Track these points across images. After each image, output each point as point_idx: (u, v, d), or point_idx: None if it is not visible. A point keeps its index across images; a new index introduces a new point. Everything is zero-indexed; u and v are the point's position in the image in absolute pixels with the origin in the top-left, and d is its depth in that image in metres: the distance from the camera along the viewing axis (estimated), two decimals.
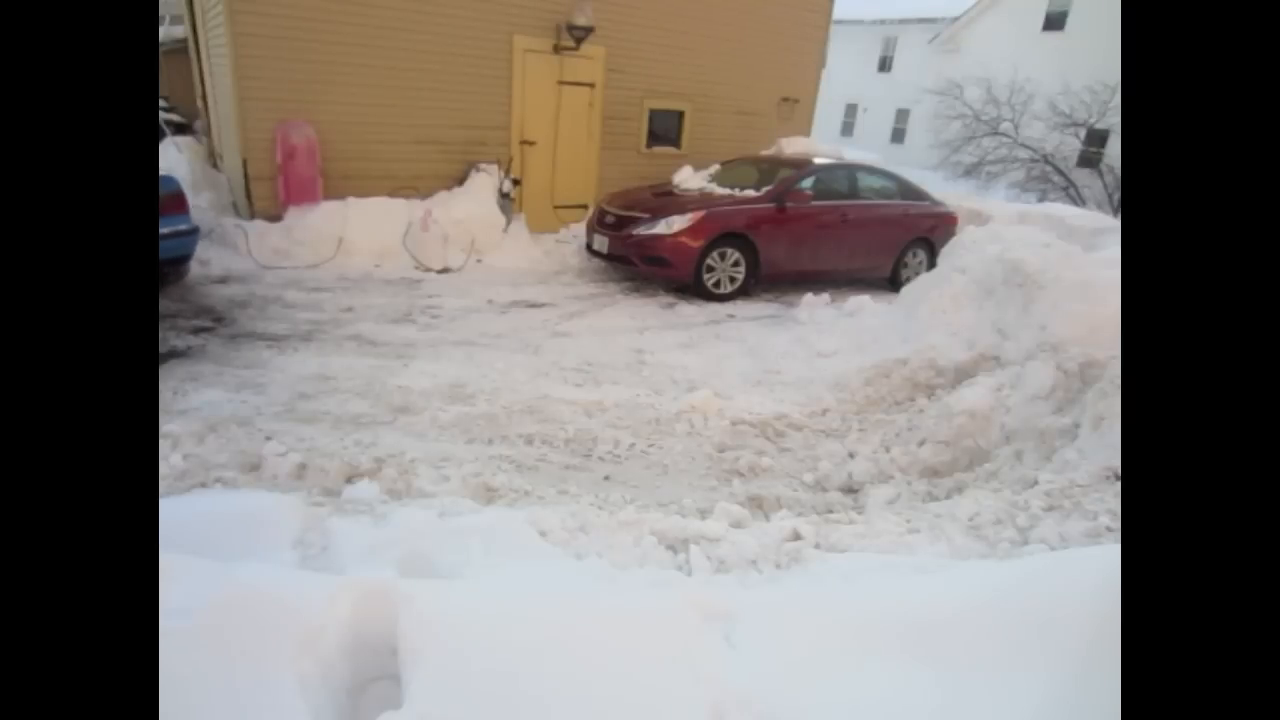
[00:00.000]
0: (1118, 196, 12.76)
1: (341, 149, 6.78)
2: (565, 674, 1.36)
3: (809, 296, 6.03)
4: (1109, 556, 1.52)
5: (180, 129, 9.94)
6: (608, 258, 6.60)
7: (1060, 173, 14.04)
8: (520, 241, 7.35)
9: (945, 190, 10.00)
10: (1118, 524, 2.28)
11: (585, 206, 8.30)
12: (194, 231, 5.12)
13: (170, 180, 4.99)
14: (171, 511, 2.06)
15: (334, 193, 6.70)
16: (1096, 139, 14.68)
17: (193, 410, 3.49)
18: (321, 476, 2.95)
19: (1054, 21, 17.64)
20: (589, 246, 6.87)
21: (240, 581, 1.44)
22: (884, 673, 1.47)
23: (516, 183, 7.78)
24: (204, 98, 9.07)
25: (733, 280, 6.45)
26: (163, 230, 4.83)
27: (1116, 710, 1.07)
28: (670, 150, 8.98)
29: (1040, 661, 1.42)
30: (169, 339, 4.40)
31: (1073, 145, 14.65)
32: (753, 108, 9.49)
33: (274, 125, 6.38)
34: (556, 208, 8.32)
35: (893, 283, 7.20)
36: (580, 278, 6.98)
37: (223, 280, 5.76)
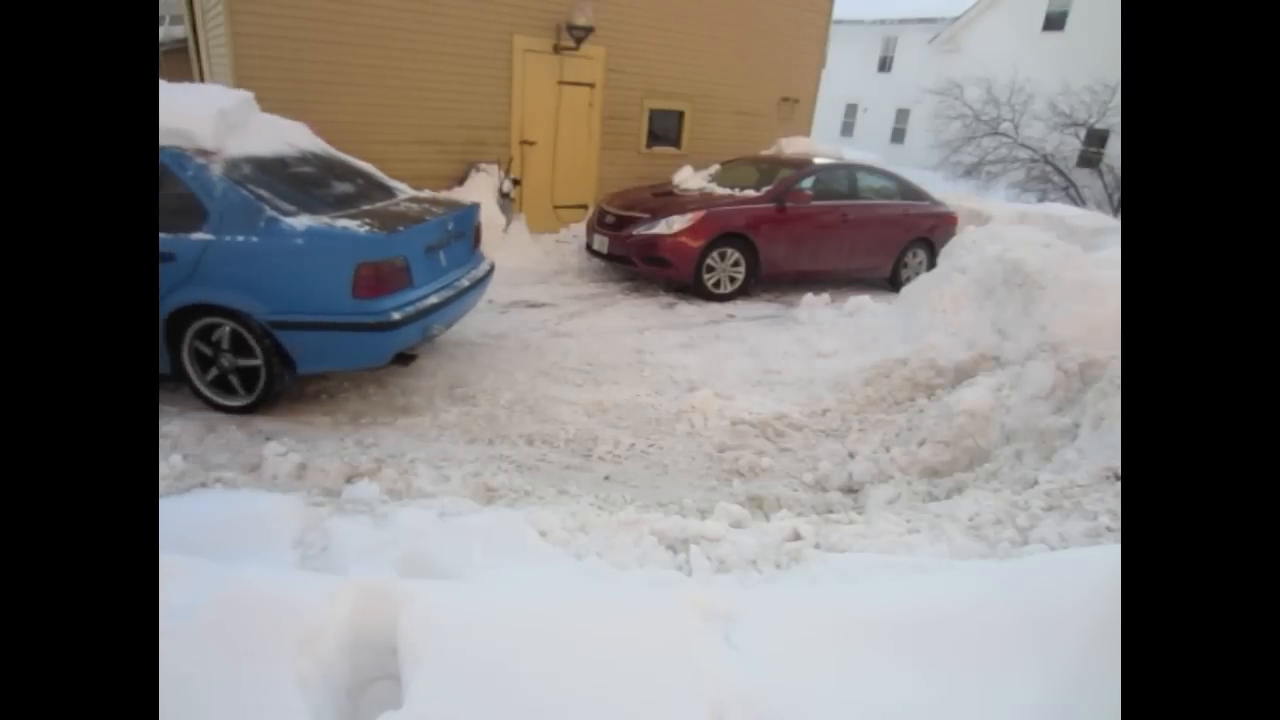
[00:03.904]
0: (1118, 196, 12.76)
1: (341, 149, 6.74)
2: (565, 674, 1.36)
3: (809, 296, 6.04)
4: (1109, 556, 1.52)
5: None
6: (608, 258, 6.60)
7: (1060, 173, 14.04)
8: (520, 241, 7.35)
9: (945, 190, 10.00)
10: (1118, 524, 2.28)
11: (585, 206, 8.31)
12: (493, 269, 4.58)
13: (475, 210, 4.40)
14: (171, 511, 2.06)
15: None
16: (1096, 139, 14.68)
17: (192, 410, 3.49)
18: (321, 476, 2.95)
19: (1054, 21, 17.63)
20: (589, 246, 6.87)
21: (240, 581, 1.44)
22: (883, 672, 1.47)
23: (516, 183, 7.78)
24: None
25: (733, 280, 6.45)
26: (479, 270, 4.30)
27: (1115, 708, 1.07)
28: (670, 150, 8.97)
29: (1041, 661, 1.42)
30: None
31: (1073, 145, 14.65)
32: (753, 108, 9.49)
33: None
34: (556, 208, 8.32)
35: (893, 283, 7.20)
36: (580, 278, 6.98)
37: None
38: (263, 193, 3.33)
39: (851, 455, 3.54)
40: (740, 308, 6.33)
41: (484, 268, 4.40)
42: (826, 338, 5.15)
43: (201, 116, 3.40)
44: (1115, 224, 8.43)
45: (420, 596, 1.47)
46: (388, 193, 4.12)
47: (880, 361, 4.37)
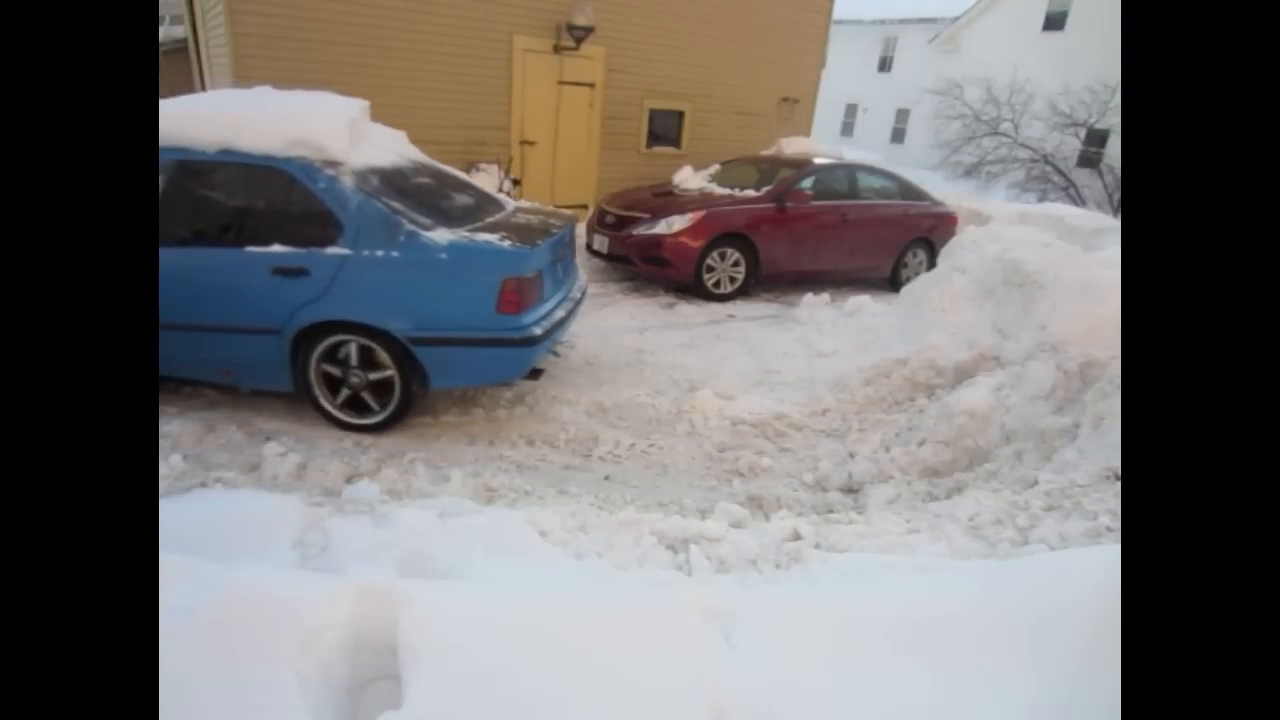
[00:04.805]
0: (1118, 196, 12.75)
1: None
2: (565, 674, 1.36)
3: (809, 296, 6.03)
4: (1109, 556, 1.52)
5: None
6: (608, 258, 6.60)
7: (1060, 173, 14.03)
8: None
9: (945, 190, 10.00)
10: (1118, 524, 2.27)
11: (585, 206, 8.31)
12: (585, 290, 4.35)
13: (575, 223, 4.25)
14: (171, 511, 2.06)
15: None
16: (1096, 139, 14.67)
17: (192, 410, 3.49)
18: (321, 476, 2.95)
19: (1054, 21, 17.63)
20: (589, 246, 6.87)
21: (240, 581, 1.44)
22: (883, 672, 1.47)
23: (516, 182, 7.78)
24: None
25: (733, 280, 6.45)
26: (582, 282, 4.18)
27: (1115, 708, 1.07)
28: (670, 150, 8.98)
29: (1040, 660, 1.42)
30: None
31: (1073, 145, 14.63)
32: (753, 108, 9.50)
33: None
34: (556, 208, 8.33)
35: (893, 283, 7.20)
36: None
37: None
38: (398, 205, 3.25)
39: (851, 455, 3.54)
40: (740, 308, 6.33)
41: (584, 280, 4.33)
42: (826, 338, 5.15)
43: (332, 126, 3.32)
44: (1115, 224, 8.43)
45: (420, 596, 1.47)
46: (498, 203, 4.03)
47: (880, 361, 4.37)
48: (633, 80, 8.36)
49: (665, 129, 8.96)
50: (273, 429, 3.36)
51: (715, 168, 7.44)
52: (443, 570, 1.91)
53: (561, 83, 7.89)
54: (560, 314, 3.61)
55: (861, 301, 5.59)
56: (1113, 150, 14.29)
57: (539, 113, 7.87)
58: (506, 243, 3.27)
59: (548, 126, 8.00)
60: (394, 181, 3.46)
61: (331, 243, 3.16)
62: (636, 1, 8.04)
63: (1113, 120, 13.77)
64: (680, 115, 8.99)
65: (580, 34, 7.46)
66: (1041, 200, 12.95)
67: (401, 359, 3.26)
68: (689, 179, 7.29)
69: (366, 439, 3.36)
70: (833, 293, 6.27)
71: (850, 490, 3.30)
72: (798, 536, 2.37)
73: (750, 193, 6.54)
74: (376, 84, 6.79)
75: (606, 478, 3.25)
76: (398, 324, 3.19)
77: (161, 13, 12.30)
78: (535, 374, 3.56)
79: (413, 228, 3.18)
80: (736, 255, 6.38)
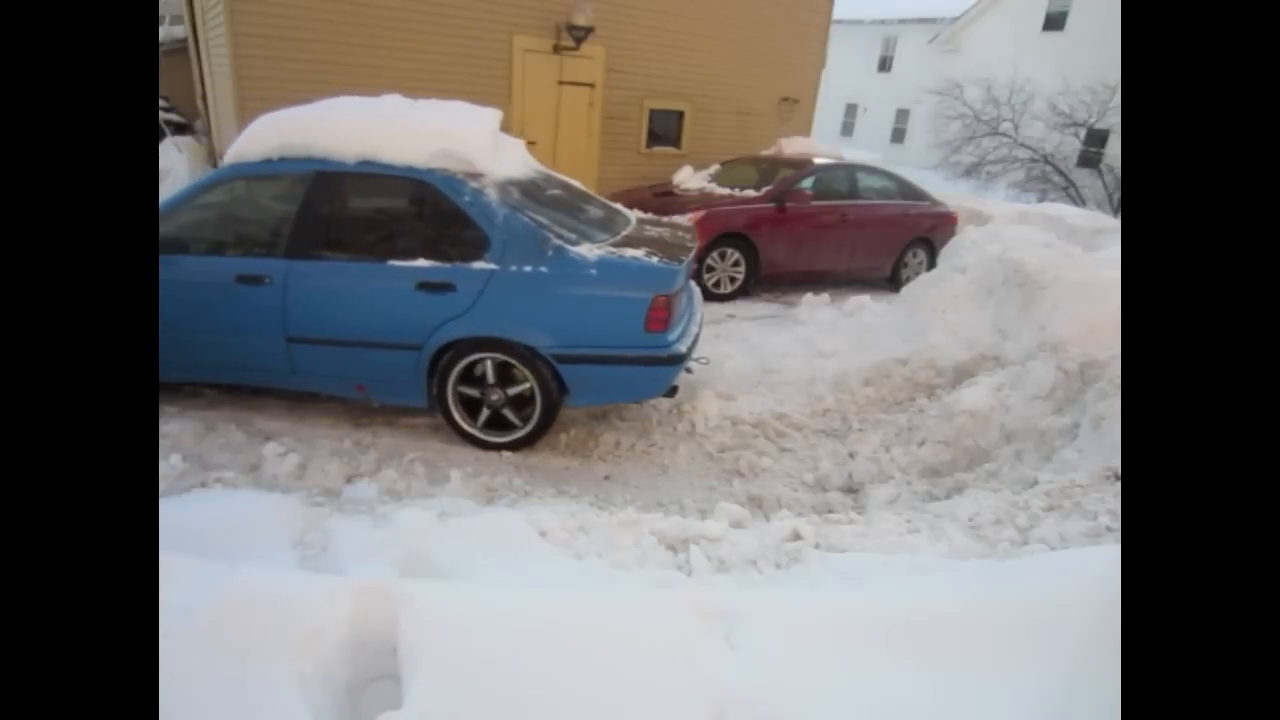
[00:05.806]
0: (1118, 196, 12.75)
1: None
2: (565, 674, 1.36)
3: (809, 296, 6.03)
4: (1108, 556, 1.52)
5: (180, 129, 9.93)
6: None
7: (1060, 173, 14.02)
8: None
9: (945, 190, 10.00)
10: (1118, 524, 2.27)
11: None
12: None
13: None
14: (171, 512, 2.06)
15: None
16: (1096, 139, 14.67)
17: (192, 410, 3.49)
18: (321, 476, 2.95)
19: (1054, 21, 17.63)
20: None
21: (240, 582, 1.44)
22: (883, 672, 1.47)
23: None
24: (204, 98, 9.07)
25: (733, 280, 6.46)
26: (698, 293, 4.07)
27: (1114, 707, 1.08)
28: (670, 150, 8.98)
29: (1040, 660, 1.42)
30: None
31: (1073, 145, 14.64)
32: (753, 108, 9.49)
33: None
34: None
35: (893, 283, 7.20)
36: None
37: None
38: (542, 219, 3.18)
39: (851, 455, 3.54)
40: (740, 308, 6.32)
41: (699, 291, 4.25)
42: (826, 337, 5.14)
43: (478, 138, 3.24)
44: (1115, 224, 8.42)
45: (420, 596, 1.47)
46: (625, 216, 3.92)
47: (880, 361, 4.37)
48: (633, 80, 8.36)
49: (665, 129, 8.96)
50: (273, 429, 3.36)
51: (715, 168, 7.44)
52: (443, 570, 1.91)
53: (561, 83, 7.89)
54: (695, 329, 3.53)
55: (861, 301, 5.59)
56: (1113, 150, 14.28)
57: (539, 113, 7.86)
58: (655, 259, 3.17)
59: (548, 126, 8.00)
60: (532, 194, 3.39)
61: (477, 258, 3.09)
62: (636, 1, 8.04)
63: (1113, 120, 13.77)
64: (680, 115, 8.99)
65: (580, 34, 7.45)
66: (1041, 200, 12.94)
67: (544, 376, 3.18)
68: (689, 179, 7.29)
69: (367, 438, 3.36)
70: (833, 293, 6.27)
71: (850, 490, 3.30)
72: (798, 536, 2.37)
73: (750, 193, 6.54)
74: (376, 84, 6.75)
75: (606, 478, 3.25)
76: (544, 341, 3.11)
77: (161, 13, 12.30)
78: (672, 391, 3.45)
79: (560, 243, 3.11)
80: (736, 255, 6.38)
